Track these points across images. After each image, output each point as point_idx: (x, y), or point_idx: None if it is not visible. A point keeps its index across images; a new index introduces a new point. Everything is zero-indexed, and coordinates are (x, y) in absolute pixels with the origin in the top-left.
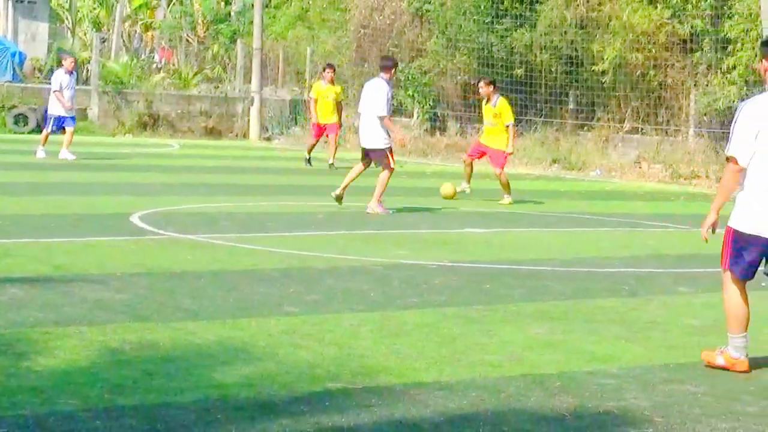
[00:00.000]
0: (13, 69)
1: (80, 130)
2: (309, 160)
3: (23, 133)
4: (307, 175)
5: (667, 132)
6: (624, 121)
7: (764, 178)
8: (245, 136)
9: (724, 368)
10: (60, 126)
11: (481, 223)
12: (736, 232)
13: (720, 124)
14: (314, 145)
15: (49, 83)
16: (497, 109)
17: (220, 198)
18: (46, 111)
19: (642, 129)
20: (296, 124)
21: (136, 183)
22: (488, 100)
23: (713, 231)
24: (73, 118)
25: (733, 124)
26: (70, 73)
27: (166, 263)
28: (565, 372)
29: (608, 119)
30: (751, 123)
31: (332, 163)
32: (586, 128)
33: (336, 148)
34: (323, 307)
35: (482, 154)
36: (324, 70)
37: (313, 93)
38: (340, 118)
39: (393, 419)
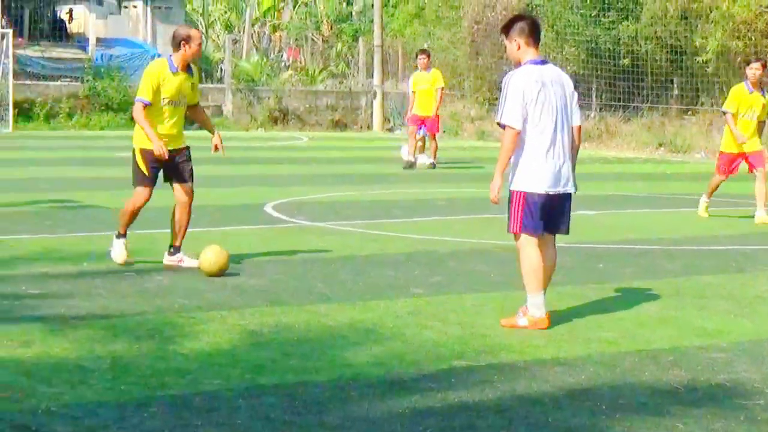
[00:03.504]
0: None
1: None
2: (411, 164)
3: None
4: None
5: None
6: None
7: (537, 141)
8: (369, 127)
9: (526, 328)
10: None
11: (592, 205)
12: (526, 194)
13: None
14: (416, 145)
15: None
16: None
17: (347, 187)
18: None
19: None
20: None
21: (268, 174)
22: (757, 88)
23: (499, 193)
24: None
25: (503, 94)
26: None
27: (299, 249)
28: (677, 347)
29: (711, 104)
30: (522, 93)
31: (433, 163)
32: (690, 113)
33: (437, 146)
34: (447, 288)
35: (738, 164)
36: (416, 56)
37: (411, 85)
38: (436, 108)
39: (515, 394)
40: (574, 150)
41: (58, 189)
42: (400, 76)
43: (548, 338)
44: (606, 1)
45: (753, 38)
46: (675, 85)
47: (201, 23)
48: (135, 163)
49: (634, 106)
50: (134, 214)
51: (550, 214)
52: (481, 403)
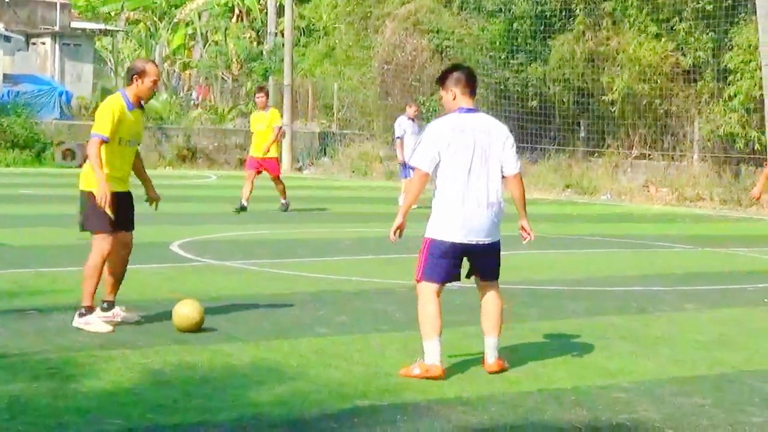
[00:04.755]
0: (61, 107)
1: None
2: (243, 208)
3: (71, 167)
4: (334, 203)
5: (672, 157)
6: (632, 148)
7: (450, 189)
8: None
9: (422, 377)
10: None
11: None
12: (432, 241)
13: (723, 150)
14: (251, 189)
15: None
16: None
17: (255, 226)
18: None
19: (649, 155)
20: (325, 155)
21: (175, 213)
22: None
23: (400, 234)
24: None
25: (419, 138)
26: (413, 119)
27: (204, 288)
28: (580, 386)
29: (617, 146)
30: (435, 138)
31: (284, 204)
32: (596, 155)
33: (284, 186)
34: (352, 328)
35: None
36: (255, 94)
37: (250, 125)
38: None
39: None
40: (518, 199)
41: None
42: (309, 115)
43: (451, 378)
44: (515, 44)
45: (659, 81)
46: (582, 128)
47: (110, 61)
48: (91, 208)
49: (541, 148)
50: (102, 269)
51: (471, 263)
52: None
